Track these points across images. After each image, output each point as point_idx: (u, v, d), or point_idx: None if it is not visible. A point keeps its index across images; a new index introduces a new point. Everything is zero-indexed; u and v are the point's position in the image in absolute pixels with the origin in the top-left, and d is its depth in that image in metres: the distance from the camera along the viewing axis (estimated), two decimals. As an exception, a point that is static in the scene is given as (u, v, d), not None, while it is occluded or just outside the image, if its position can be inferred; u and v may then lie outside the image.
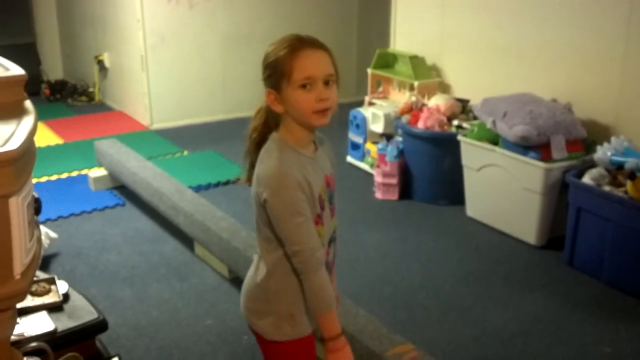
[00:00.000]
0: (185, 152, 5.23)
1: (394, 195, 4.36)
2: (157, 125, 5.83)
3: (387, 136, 4.71)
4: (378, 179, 4.41)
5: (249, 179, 1.67)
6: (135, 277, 3.39)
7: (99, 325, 2.16)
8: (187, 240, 3.68)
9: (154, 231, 3.90)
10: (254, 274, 1.72)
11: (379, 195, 4.41)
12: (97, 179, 4.46)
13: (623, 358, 2.79)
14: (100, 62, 6.40)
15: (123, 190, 4.40)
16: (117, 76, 6.26)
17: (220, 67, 6.03)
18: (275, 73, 1.58)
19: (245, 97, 6.18)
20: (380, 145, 4.56)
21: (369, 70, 5.15)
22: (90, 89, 6.67)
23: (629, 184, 3.18)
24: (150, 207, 4.00)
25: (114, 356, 2.15)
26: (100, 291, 3.26)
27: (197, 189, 4.43)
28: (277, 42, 1.59)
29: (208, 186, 4.53)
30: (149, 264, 3.52)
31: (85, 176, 4.61)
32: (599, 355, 2.81)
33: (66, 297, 2.30)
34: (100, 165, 4.58)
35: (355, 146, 4.94)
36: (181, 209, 3.58)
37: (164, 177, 3.96)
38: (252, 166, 1.66)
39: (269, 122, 1.65)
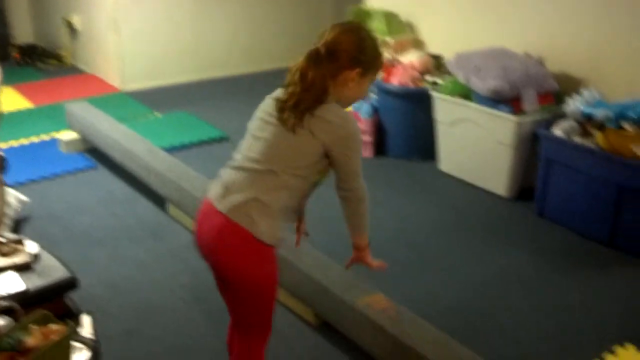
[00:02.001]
0: (158, 114, 5.17)
1: (368, 152, 4.36)
2: (128, 87, 5.75)
3: (361, 93, 4.68)
4: (353, 136, 4.40)
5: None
6: (109, 238, 3.38)
7: (69, 283, 2.16)
8: (160, 201, 3.67)
9: (126, 193, 3.87)
10: (267, 193, 1.86)
11: (354, 152, 4.41)
12: (68, 142, 4.41)
13: (593, 304, 2.85)
14: (70, 25, 6.28)
15: (95, 153, 4.36)
16: (88, 38, 6.14)
17: (192, 26, 5.94)
18: (371, 62, 1.86)
19: (218, 57, 6.13)
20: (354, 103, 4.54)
21: (343, 28, 5.09)
22: (61, 52, 6.55)
23: (598, 135, 3.21)
24: (122, 168, 3.97)
25: (85, 313, 2.14)
26: (74, 253, 3.24)
27: (170, 150, 4.39)
28: (375, 38, 1.91)
29: (181, 147, 4.50)
30: (122, 225, 3.51)
31: (56, 140, 4.55)
32: (567, 301, 2.87)
33: (36, 257, 2.29)
34: (71, 128, 4.51)
35: (330, 104, 4.91)
36: (153, 170, 3.56)
37: (135, 139, 3.93)
38: (299, 110, 1.84)
39: (316, 83, 1.83)
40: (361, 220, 2.04)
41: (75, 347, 1.96)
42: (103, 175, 4.11)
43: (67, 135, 4.47)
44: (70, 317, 2.12)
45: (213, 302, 2.85)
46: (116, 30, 5.59)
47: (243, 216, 1.84)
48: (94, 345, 1.99)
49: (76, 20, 6.18)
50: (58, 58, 6.54)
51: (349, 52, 1.83)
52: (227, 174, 1.97)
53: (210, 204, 1.92)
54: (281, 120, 1.87)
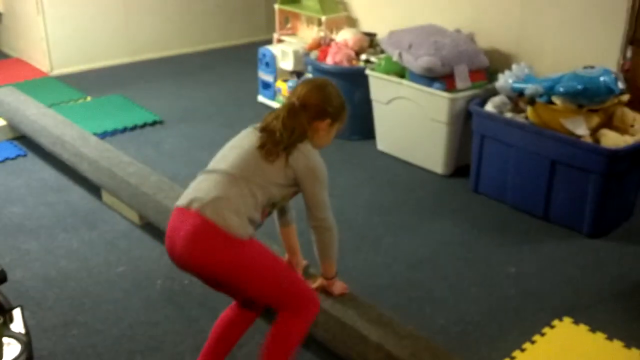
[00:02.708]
0: (89, 98, 5.03)
1: (305, 133, 4.35)
2: (57, 71, 5.57)
3: (298, 73, 4.67)
4: (289, 117, 4.38)
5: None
6: (42, 228, 3.29)
7: (-2, 277, 2.09)
8: (93, 188, 3.58)
9: (58, 181, 3.77)
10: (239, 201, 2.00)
11: (291, 133, 4.39)
12: (-5, 130, 4.26)
13: (527, 276, 2.93)
14: (-8, 7, 6.04)
15: (24, 140, 4.22)
16: (12, 21, 5.91)
17: (122, 6, 5.76)
18: (337, 114, 2.14)
19: (150, 38, 5.99)
20: (290, 83, 4.53)
21: (276, 6, 5.06)
22: (-16, 36, 6.30)
23: (529, 110, 3.27)
24: (53, 156, 3.86)
25: (15, 307, 2.08)
26: (5, 244, 3.15)
27: (103, 135, 4.29)
28: (341, 94, 2.19)
29: (114, 132, 4.40)
30: (55, 214, 3.42)
31: (-17, 128, 4.39)
32: (504, 275, 2.94)
33: (-38, 251, 2.21)
34: (-2, 115, 4.36)
35: (266, 85, 4.88)
36: (85, 156, 3.47)
37: (66, 124, 3.82)
38: (279, 148, 2.05)
39: (295, 129, 2.07)
40: (329, 250, 2.21)
41: (6, 343, 1.91)
42: (34, 163, 3.98)
43: (-7, 122, 4.32)
44: (1, 312, 2.06)
45: (151, 290, 2.82)
46: (41, 12, 5.40)
47: (215, 215, 1.95)
48: (25, 340, 1.94)
49: (-1, 3, 5.95)
50: (-19, 42, 6.29)
51: (318, 105, 2.09)
52: (198, 180, 2.11)
53: (181, 209, 2.03)
54: (259, 149, 2.06)
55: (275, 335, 2.11)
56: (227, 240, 1.96)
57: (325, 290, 2.35)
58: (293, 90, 2.18)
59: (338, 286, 2.36)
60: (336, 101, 2.15)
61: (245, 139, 2.13)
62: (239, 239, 1.97)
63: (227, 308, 2.24)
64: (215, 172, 2.07)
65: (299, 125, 2.07)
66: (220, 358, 2.23)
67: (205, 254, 1.97)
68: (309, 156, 2.08)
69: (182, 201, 2.05)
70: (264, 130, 2.10)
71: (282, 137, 2.05)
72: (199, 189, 2.04)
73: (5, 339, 1.94)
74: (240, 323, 2.23)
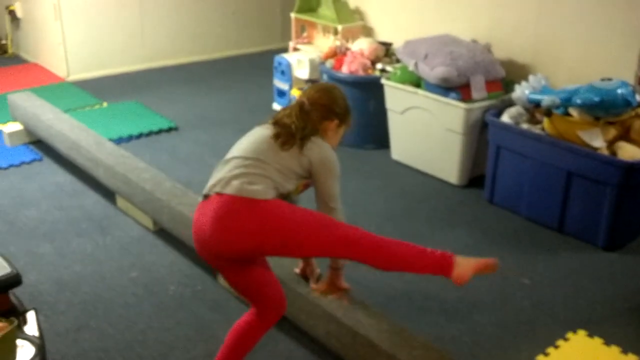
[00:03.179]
0: (105, 104, 5.06)
1: (320, 141, 4.36)
2: (74, 77, 5.61)
3: (313, 82, 4.67)
4: (304, 125, 4.39)
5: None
6: (56, 232, 3.31)
7: (13, 280, 2.09)
8: (108, 194, 3.60)
9: (73, 185, 3.79)
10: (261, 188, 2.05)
11: (305, 141, 4.40)
12: (12, 134, 4.29)
13: (540, 288, 2.91)
14: (11, 12, 6.09)
15: (40, 145, 4.25)
16: (31, 26, 5.97)
17: (139, 13, 5.81)
18: (344, 115, 2.25)
19: (165, 45, 6.03)
20: (305, 91, 4.53)
21: (293, 15, 5.07)
22: (3, 41, 6.35)
23: (545, 121, 3.26)
24: (68, 161, 3.88)
25: (29, 310, 2.09)
26: (20, 248, 3.17)
27: (119, 141, 4.32)
28: (345, 97, 2.29)
29: (130, 138, 4.42)
30: (69, 219, 3.43)
31: (0, 132, 4.42)
32: (518, 286, 2.91)
33: (-22, 253, 2.22)
34: (14, 119, 4.39)
35: (281, 93, 4.89)
36: (101, 162, 3.49)
37: (81, 130, 3.84)
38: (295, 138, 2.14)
39: (307, 125, 2.16)
40: None
41: (20, 345, 1.91)
42: (49, 168, 4.01)
43: (10, 127, 4.35)
44: (16, 314, 2.07)
45: (164, 296, 2.83)
46: (58, 18, 5.44)
47: (236, 190, 2.02)
48: (38, 343, 1.94)
49: (18, 8, 6.00)
50: (0, 47, 6.35)
51: (326, 105, 2.20)
52: (218, 170, 2.14)
53: (202, 203, 2.11)
54: (274, 139, 2.13)
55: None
56: (251, 203, 2.01)
57: (330, 289, 2.36)
58: (302, 93, 2.28)
59: (343, 280, 2.37)
60: (342, 103, 2.26)
61: (258, 132, 2.20)
62: (262, 199, 2.02)
63: (243, 314, 2.23)
64: (232, 159, 2.13)
65: (310, 122, 2.17)
66: None
67: (235, 224, 2.00)
68: (323, 147, 2.16)
69: (202, 196, 2.13)
70: (276, 123, 2.18)
71: (296, 129, 2.13)
72: (216, 177, 2.11)
73: (19, 341, 1.95)
74: (255, 329, 2.21)
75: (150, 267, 3.03)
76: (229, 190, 2.03)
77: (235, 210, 2.01)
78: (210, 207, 2.04)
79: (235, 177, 2.05)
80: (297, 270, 2.51)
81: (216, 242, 2.03)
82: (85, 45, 5.62)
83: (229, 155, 2.18)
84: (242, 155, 2.12)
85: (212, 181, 2.11)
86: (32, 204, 3.58)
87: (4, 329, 1.83)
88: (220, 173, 2.11)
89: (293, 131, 2.13)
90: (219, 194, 2.04)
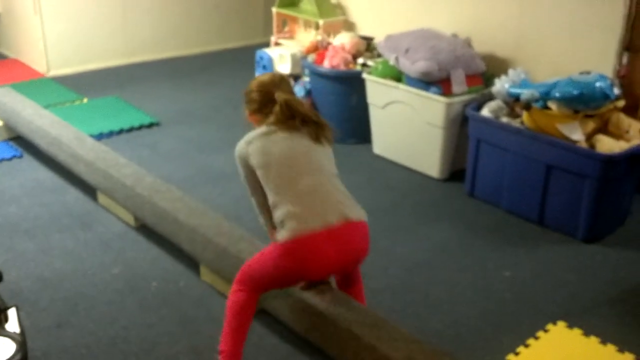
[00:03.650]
0: (86, 99, 5.02)
1: (302, 136, 4.36)
2: (54, 72, 5.57)
3: (295, 76, 4.68)
4: (286, 119, 4.39)
5: None
6: (37, 229, 3.29)
7: (-7, 277, 2.09)
8: (89, 190, 3.58)
9: (54, 181, 3.76)
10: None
11: (287, 136, 4.40)
12: (-9, 130, 4.26)
13: (522, 280, 2.94)
14: (-11, 7, 6.04)
15: (20, 141, 4.22)
16: (9, 21, 5.91)
17: (120, 7, 5.76)
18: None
19: (147, 40, 5.99)
20: (287, 86, 4.53)
21: (274, 9, 5.07)
22: (-19, 37, 6.30)
23: (525, 115, 3.29)
24: (49, 157, 3.85)
25: (10, 307, 2.08)
26: (0, 244, 3.15)
27: (99, 136, 4.29)
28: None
29: (110, 133, 4.40)
30: (50, 215, 3.41)
31: (-21, 128, 4.38)
32: (499, 279, 2.94)
33: (-43, 251, 2.21)
34: (-6, 115, 4.36)
35: (263, 88, 4.88)
36: (81, 157, 3.47)
37: (62, 125, 3.81)
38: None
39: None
40: None
41: (1, 342, 1.91)
42: (29, 164, 3.98)
43: (-11, 123, 4.31)
44: (-4, 312, 2.06)
45: (147, 292, 2.82)
46: (37, 12, 5.39)
47: (354, 213, 2.29)
48: (19, 339, 1.94)
49: (-3, 3, 5.94)
50: (-22, 42, 6.29)
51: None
52: (297, 201, 2.23)
53: (323, 233, 2.19)
54: (317, 143, 2.36)
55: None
56: (360, 225, 2.32)
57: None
58: (275, 85, 2.41)
59: None
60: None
61: (297, 144, 2.33)
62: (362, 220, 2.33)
63: (239, 292, 2.29)
64: (313, 184, 2.27)
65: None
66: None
67: (356, 245, 2.32)
68: None
69: (314, 225, 2.19)
70: (306, 121, 2.34)
71: (318, 118, 2.37)
72: (314, 206, 2.23)
73: (0, 338, 1.94)
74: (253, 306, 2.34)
75: (132, 263, 3.03)
76: (354, 215, 2.27)
77: (354, 234, 2.28)
78: (329, 238, 2.20)
79: (334, 204, 2.25)
80: None
81: (341, 267, 2.31)
82: (66, 40, 5.58)
83: (303, 179, 2.26)
84: (320, 176, 2.31)
85: (313, 212, 2.21)
86: (13, 200, 3.56)
87: (-16, 326, 1.82)
88: (314, 201, 2.23)
89: (321, 122, 2.35)
90: (329, 226, 2.20)
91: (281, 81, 2.44)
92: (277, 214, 2.22)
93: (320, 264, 2.22)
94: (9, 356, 1.91)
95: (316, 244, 2.18)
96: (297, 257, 2.20)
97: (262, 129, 2.35)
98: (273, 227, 2.31)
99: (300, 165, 2.28)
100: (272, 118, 2.35)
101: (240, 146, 2.36)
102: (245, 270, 2.32)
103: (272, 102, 2.36)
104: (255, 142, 2.32)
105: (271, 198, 2.26)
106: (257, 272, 2.29)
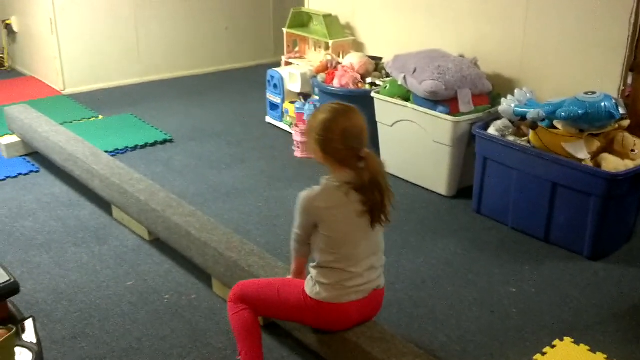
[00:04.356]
0: (101, 116, 5.13)
1: (312, 153, 4.42)
2: (70, 90, 5.68)
3: (304, 95, 4.76)
4: (297, 137, 4.46)
5: None
6: (53, 243, 3.36)
7: (10, 288, 2.13)
8: (104, 205, 3.66)
9: (70, 196, 3.85)
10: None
11: (298, 153, 4.47)
12: (9, 146, 4.35)
13: (527, 296, 2.97)
14: (8, 26, 6.16)
15: (37, 157, 4.31)
16: (27, 40, 6.05)
17: (134, 27, 5.90)
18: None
19: (160, 59, 6.10)
20: (297, 105, 4.61)
21: (285, 30, 5.16)
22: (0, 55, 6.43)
23: (531, 134, 3.34)
24: (65, 172, 3.94)
25: (27, 318, 2.14)
26: (17, 258, 3.22)
27: (114, 153, 4.38)
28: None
29: (125, 150, 4.49)
30: (66, 229, 3.49)
31: (-3, 144, 4.48)
32: (505, 294, 2.98)
33: (-23, 262, 2.27)
34: (11, 132, 4.45)
35: (274, 106, 4.97)
36: (97, 173, 3.55)
37: (78, 141, 3.90)
38: None
39: None
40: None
41: (18, 352, 1.96)
42: (46, 179, 4.07)
43: (7, 139, 4.41)
44: (13, 322, 2.11)
45: (159, 304, 2.88)
46: (54, 32, 5.52)
47: (382, 279, 2.42)
48: (36, 349, 1.99)
49: (14, 21, 6.07)
50: (-4, 61, 6.42)
51: None
52: (356, 273, 2.31)
53: (355, 302, 2.31)
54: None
55: None
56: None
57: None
58: (362, 141, 2.24)
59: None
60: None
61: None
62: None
63: (244, 311, 2.35)
64: (369, 264, 2.35)
65: None
66: None
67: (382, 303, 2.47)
68: None
69: (351, 298, 2.30)
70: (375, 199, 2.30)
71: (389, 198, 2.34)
72: (359, 283, 2.31)
73: (17, 349, 2.00)
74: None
75: (145, 276, 3.09)
76: (371, 291, 2.35)
77: (378, 300, 2.42)
78: (358, 307, 2.31)
79: (373, 281, 2.36)
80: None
81: (357, 324, 2.37)
82: (81, 59, 5.70)
83: (358, 256, 2.29)
84: (373, 256, 2.35)
85: (351, 289, 2.28)
86: (29, 214, 3.64)
87: (3, 335, 1.87)
88: (359, 280, 2.29)
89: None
90: (361, 299, 2.31)
91: (363, 132, 2.25)
92: (323, 273, 2.27)
93: (342, 326, 2.33)
94: (26, 365, 1.97)
95: (347, 313, 2.30)
96: (325, 317, 2.30)
97: (335, 183, 2.24)
98: (305, 257, 2.40)
99: (361, 240, 2.27)
100: (350, 175, 2.22)
101: (308, 195, 2.26)
102: (253, 293, 2.38)
103: (356, 158, 2.22)
104: (325, 199, 2.24)
105: (322, 255, 2.27)
106: (272, 302, 2.36)
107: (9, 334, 1.87)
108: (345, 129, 2.19)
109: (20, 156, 4.36)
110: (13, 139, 4.39)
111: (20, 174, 4.11)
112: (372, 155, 2.24)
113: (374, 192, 2.22)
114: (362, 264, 2.28)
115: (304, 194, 2.27)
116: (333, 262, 2.26)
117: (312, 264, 2.33)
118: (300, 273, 2.43)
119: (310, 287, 2.29)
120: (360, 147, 2.22)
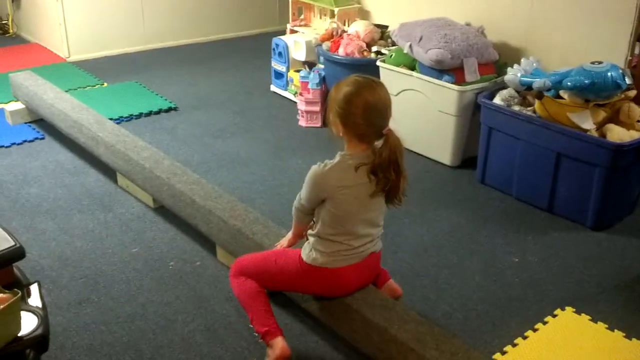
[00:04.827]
0: (105, 84, 5.12)
1: (317, 122, 4.42)
2: (74, 57, 5.66)
3: (309, 64, 4.73)
4: (301, 106, 4.45)
5: None
6: (58, 209, 3.38)
7: (16, 253, 2.14)
8: (109, 172, 3.67)
9: (75, 163, 3.86)
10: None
11: (302, 122, 4.46)
12: (14, 113, 4.34)
13: (529, 266, 2.98)
14: (12, -7, 6.13)
15: (42, 124, 4.31)
16: (31, 7, 6.00)
17: (138, -5, 5.86)
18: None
19: (165, 27, 6.06)
20: (302, 73, 4.59)
21: (290, -3, 5.12)
22: (4, 21, 6.39)
23: (536, 103, 3.32)
24: (70, 139, 3.94)
25: (33, 282, 2.16)
26: (22, 224, 3.24)
27: (119, 120, 4.38)
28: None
29: (130, 117, 4.48)
30: (71, 196, 3.50)
31: (2, 110, 4.48)
32: (508, 264, 2.99)
33: (-20, 227, 2.27)
34: (16, 98, 4.45)
35: (279, 75, 4.94)
36: (101, 140, 3.55)
37: (82, 109, 3.90)
38: None
39: None
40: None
41: (24, 316, 1.98)
42: (51, 146, 4.07)
43: (12, 106, 4.41)
44: (19, 287, 2.13)
45: (164, 271, 2.90)
46: (58, -2, 5.49)
47: (379, 243, 2.45)
48: (42, 313, 2.01)
49: (18, -12, 6.04)
50: (1, 27, 6.39)
51: None
52: (355, 243, 2.33)
53: (352, 265, 2.33)
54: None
55: None
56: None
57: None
58: (386, 117, 2.19)
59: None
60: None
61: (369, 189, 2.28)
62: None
63: (248, 281, 2.39)
64: (366, 233, 2.36)
65: None
66: None
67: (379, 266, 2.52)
68: None
69: (348, 262, 2.32)
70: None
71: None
72: (356, 252, 2.34)
73: (23, 313, 2.02)
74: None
75: (150, 243, 3.11)
76: (369, 254, 2.37)
77: (375, 263, 2.44)
78: (354, 270, 2.33)
79: (370, 246, 2.37)
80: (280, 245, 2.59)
81: (356, 289, 2.38)
82: (86, 26, 5.66)
83: (356, 227, 2.29)
84: (370, 228, 2.35)
85: (348, 256, 2.30)
86: (34, 181, 3.66)
87: (9, 299, 1.89)
88: (356, 250, 2.31)
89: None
90: (359, 262, 2.33)
91: (387, 107, 2.20)
92: (324, 243, 2.29)
93: (341, 290, 2.35)
94: (31, 329, 1.99)
95: (343, 276, 2.31)
96: (322, 282, 2.32)
97: (349, 161, 2.21)
98: (305, 226, 2.42)
99: (366, 218, 2.28)
100: (366, 153, 2.20)
101: (320, 170, 2.23)
102: (251, 265, 2.42)
103: (376, 135, 2.18)
104: (339, 177, 2.21)
105: (325, 228, 2.27)
106: (272, 273, 2.38)
107: (14, 298, 1.89)
108: (368, 104, 2.14)
109: (25, 123, 4.36)
110: (18, 105, 4.39)
111: (25, 141, 4.12)
112: (393, 134, 2.18)
113: (390, 171, 2.19)
114: (362, 239, 2.31)
115: (316, 169, 2.23)
116: (334, 235, 2.27)
117: (311, 232, 2.34)
118: (298, 236, 2.46)
119: (307, 253, 2.31)
120: (383, 124, 2.17)
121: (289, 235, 2.51)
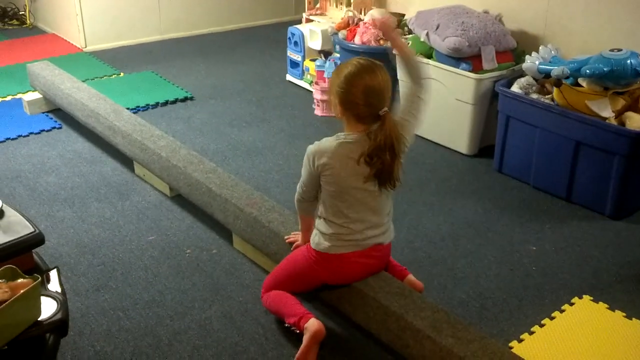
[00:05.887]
0: (122, 74, 5.14)
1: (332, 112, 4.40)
2: (91, 47, 5.69)
3: (325, 53, 4.72)
4: (317, 95, 4.44)
5: None
6: (76, 198, 3.40)
7: (35, 239, 2.16)
8: (126, 161, 3.69)
9: (92, 152, 3.88)
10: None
11: (318, 111, 4.45)
12: (31, 103, 4.37)
13: (547, 255, 2.97)
14: (29, -16, 6.16)
15: (59, 113, 4.34)
16: (48, -3, 6.04)
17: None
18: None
19: (181, 17, 6.07)
20: (318, 62, 4.58)
21: (306, -14, 5.10)
22: (21, 12, 6.43)
23: (555, 91, 3.29)
24: (87, 129, 3.97)
25: (52, 268, 2.18)
26: (41, 212, 3.27)
27: (135, 110, 4.40)
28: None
29: (146, 107, 4.50)
30: (88, 185, 3.53)
31: (20, 100, 4.51)
32: (525, 253, 2.98)
33: (1, 213, 2.30)
34: (34, 88, 4.48)
35: (294, 64, 4.94)
36: (118, 129, 3.57)
37: (99, 98, 3.92)
38: None
39: None
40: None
41: (43, 301, 2.00)
42: (68, 136, 4.10)
43: (30, 96, 4.44)
44: (39, 272, 2.15)
45: (181, 259, 2.92)
46: (75, -12, 5.51)
47: (388, 235, 2.46)
48: (61, 299, 2.03)
49: (35, -21, 6.07)
50: (18, 18, 6.43)
51: None
52: (358, 229, 2.37)
53: (355, 252, 2.36)
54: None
55: None
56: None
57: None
58: (385, 100, 2.23)
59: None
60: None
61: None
62: None
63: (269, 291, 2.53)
64: (370, 220, 2.38)
65: None
66: None
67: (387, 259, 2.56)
68: None
69: (353, 249, 2.35)
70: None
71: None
72: (361, 237, 2.37)
73: (42, 298, 2.04)
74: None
75: (167, 231, 3.12)
76: (375, 244, 2.38)
77: (381, 255, 2.44)
78: (360, 256, 2.36)
79: (376, 236, 2.38)
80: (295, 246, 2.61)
81: (362, 278, 2.41)
82: (102, 16, 5.68)
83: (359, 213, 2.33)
84: (375, 216, 2.36)
85: (353, 241, 2.33)
86: (52, 170, 3.68)
87: (28, 285, 1.91)
88: (360, 235, 2.34)
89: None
90: (363, 250, 2.36)
91: (386, 90, 2.24)
92: (324, 225, 2.34)
93: (346, 277, 2.39)
94: (51, 313, 2.01)
95: (347, 263, 2.34)
96: (329, 268, 2.36)
97: (347, 140, 2.26)
98: (310, 216, 2.45)
99: (361, 199, 2.29)
100: (363, 134, 2.23)
101: (313, 145, 2.31)
102: (273, 277, 2.53)
103: (374, 117, 2.21)
104: (331, 155, 2.25)
105: (325, 208, 2.34)
106: (289, 274, 2.48)
107: (34, 283, 1.90)
108: (368, 85, 2.18)
109: (43, 112, 4.39)
110: (35, 95, 4.41)
111: (42, 130, 4.15)
112: (389, 116, 2.21)
113: (385, 154, 2.20)
114: (359, 223, 2.31)
115: (310, 146, 2.32)
116: (331, 215, 2.31)
117: (317, 216, 2.40)
118: (308, 231, 2.47)
119: (313, 237, 2.38)
120: (380, 105, 2.19)
121: (300, 233, 2.57)
